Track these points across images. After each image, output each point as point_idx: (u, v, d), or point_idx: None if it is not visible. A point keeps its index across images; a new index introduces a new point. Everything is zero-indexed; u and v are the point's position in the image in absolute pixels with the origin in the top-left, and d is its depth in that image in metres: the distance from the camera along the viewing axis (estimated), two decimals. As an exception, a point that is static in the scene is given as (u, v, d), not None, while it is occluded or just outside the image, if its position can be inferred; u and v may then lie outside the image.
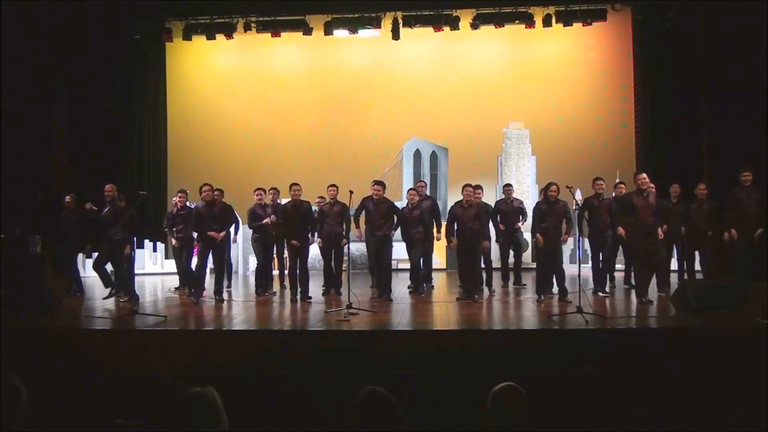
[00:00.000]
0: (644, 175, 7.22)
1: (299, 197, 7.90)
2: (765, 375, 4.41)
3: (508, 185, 9.16)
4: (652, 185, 7.18)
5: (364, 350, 5.50)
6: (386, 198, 8.10)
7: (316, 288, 8.37)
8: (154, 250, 12.07)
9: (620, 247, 8.16)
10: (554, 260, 7.48)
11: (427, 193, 9.21)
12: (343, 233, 8.20)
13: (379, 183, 8.03)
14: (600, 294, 7.82)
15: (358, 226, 8.22)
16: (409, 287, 8.49)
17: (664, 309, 6.67)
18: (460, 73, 13.61)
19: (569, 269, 8.71)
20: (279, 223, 8.19)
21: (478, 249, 7.72)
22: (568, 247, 11.28)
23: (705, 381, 4.80)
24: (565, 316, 6.15)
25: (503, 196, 9.11)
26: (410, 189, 8.57)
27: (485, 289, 8.27)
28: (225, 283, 8.35)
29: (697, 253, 8.34)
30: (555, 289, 7.54)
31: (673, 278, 8.33)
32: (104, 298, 7.92)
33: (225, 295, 8.01)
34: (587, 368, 5.15)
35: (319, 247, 8.59)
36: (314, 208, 8.49)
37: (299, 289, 7.75)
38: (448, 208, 8.62)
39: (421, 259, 8.31)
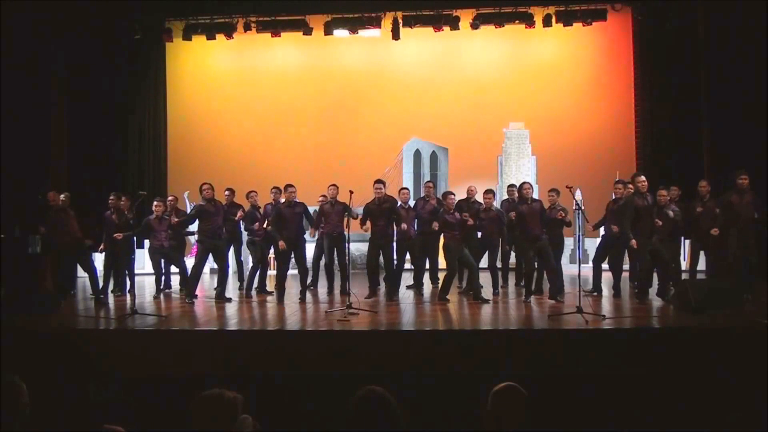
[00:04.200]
0: (642, 177, 7.14)
1: (294, 198, 7.85)
2: (765, 375, 4.41)
3: (512, 186, 9.10)
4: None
5: (364, 350, 5.50)
6: (391, 197, 8.13)
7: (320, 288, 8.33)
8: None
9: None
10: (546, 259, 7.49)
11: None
12: (344, 232, 8.10)
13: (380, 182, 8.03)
14: (585, 294, 7.65)
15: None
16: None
17: (664, 309, 6.67)
18: (460, 73, 13.60)
19: (569, 269, 8.70)
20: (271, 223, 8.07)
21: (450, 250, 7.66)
22: (568, 247, 11.27)
23: (705, 381, 4.81)
24: (565, 316, 6.15)
25: (506, 197, 9.09)
26: (403, 188, 8.52)
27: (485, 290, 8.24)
28: (235, 284, 8.26)
29: (702, 253, 8.25)
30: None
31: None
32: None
33: (230, 295, 7.99)
34: (587, 368, 5.16)
35: (321, 246, 8.59)
36: (314, 208, 8.48)
37: (297, 289, 7.76)
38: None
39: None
